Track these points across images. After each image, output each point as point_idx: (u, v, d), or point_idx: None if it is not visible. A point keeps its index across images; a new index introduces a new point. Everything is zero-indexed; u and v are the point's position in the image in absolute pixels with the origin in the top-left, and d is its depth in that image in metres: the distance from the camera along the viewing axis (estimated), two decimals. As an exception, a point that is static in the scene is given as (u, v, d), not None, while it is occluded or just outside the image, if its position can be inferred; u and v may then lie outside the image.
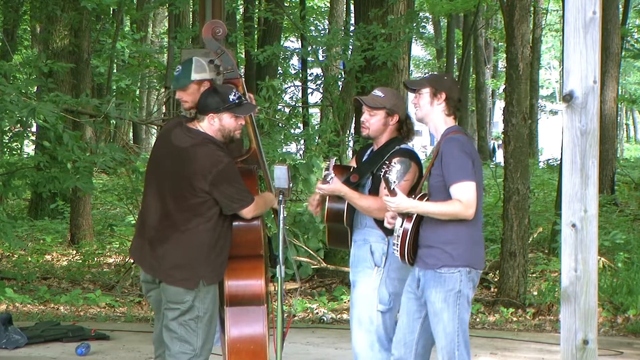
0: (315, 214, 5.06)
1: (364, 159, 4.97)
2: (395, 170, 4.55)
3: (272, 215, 5.29)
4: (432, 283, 4.47)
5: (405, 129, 4.90)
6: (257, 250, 4.85)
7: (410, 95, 4.75)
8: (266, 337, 4.80)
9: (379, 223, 4.78)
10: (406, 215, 4.47)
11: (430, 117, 4.59)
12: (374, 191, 4.78)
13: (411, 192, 4.73)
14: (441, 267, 4.45)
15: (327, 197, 4.85)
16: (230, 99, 4.68)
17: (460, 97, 4.62)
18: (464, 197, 4.36)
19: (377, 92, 4.91)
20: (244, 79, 5.11)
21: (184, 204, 4.62)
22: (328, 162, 4.75)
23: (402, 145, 4.86)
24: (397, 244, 4.50)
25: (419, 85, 4.62)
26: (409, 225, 4.46)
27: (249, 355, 4.77)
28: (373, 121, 4.84)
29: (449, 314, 4.45)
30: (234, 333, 4.77)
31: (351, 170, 4.94)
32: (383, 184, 4.46)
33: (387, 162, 4.64)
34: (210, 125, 4.68)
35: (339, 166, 4.86)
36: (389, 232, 4.76)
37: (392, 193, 4.40)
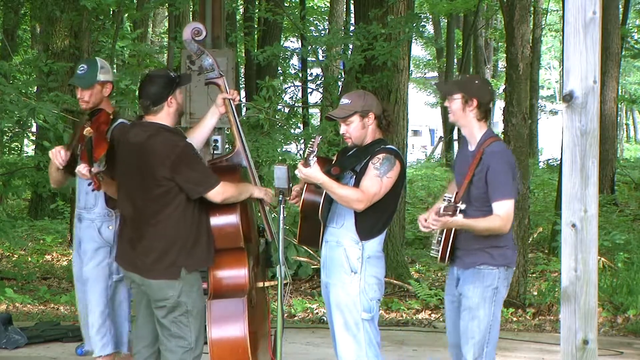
0: (295, 203, 4.98)
1: (346, 155, 4.91)
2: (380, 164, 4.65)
3: (273, 216, 5.28)
4: (470, 279, 4.59)
5: (384, 122, 4.85)
6: (237, 243, 4.84)
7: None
8: (247, 329, 4.76)
9: (358, 224, 4.73)
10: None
11: (463, 123, 4.64)
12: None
13: (394, 192, 4.75)
14: (481, 264, 4.58)
15: (305, 186, 4.76)
16: (173, 76, 4.79)
17: (492, 98, 4.65)
18: (504, 214, 4.47)
19: (344, 100, 4.85)
20: (225, 77, 5.11)
21: (150, 197, 4.65)
22: (313, 140, 4.63)
23: (388, 146, 4.83)
24: (439, 248, 4.60)
25: (449, 92, 4.64)
26: (451, 230, 4.56)
27: (230, 347, 4.75)
28: (352, 129, 4.79)
29: (484, 310, 4.55)
30: (215, 326, 4.77)
31: (333, 162, 4.88)
32: (442, 207, 4.39)
33: (372, 159, 4.68)
34: (169, 108, 4.74)
35: (321, 158, 4.77)
36: (365, 237, 4.75)
37: (453, 214, 4.34)
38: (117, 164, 4.90)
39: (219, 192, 4.67)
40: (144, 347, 4.89)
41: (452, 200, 4.52)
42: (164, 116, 4.73)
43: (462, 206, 4.35)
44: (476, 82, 4.74)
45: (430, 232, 4.76)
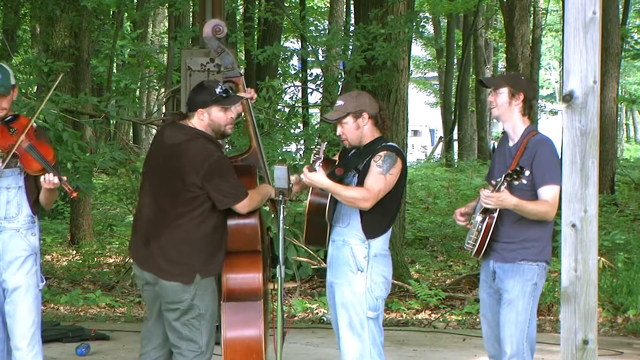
0: (294, 191, 4.98)
1: (348, 155, 4.93)
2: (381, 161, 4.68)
3: (272, 216, 5.29)
4: (510, 273, 4.64)
5: (380, 120, 4.87)
6: (255, 245, 4.85)
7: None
8: (262, 333, 4.77)
9: (364, 223, 4.75)
10: (488, 212, 4.58)
11: (508, 117, 4.72)
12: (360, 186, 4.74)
13: (397, 189, 4.77)
14: (521, 260, 4.62)
15: (311, 188, 4.78)
16: (217, 92, 4.72)
17: (536, 95, 4.73)
18: (552, 199, 4.51)
19: (338, 102, 4.88)
20: (244, 78, 5.11)
21: (176, 200, 4.64)
22: (319, 147, 4.68)
23: (389, 143, 4.86)
24: (477, 239, 4.62)
25: (496, 85, 4.73)
26: (492, 221, 4.59)
27: (245, 350, 4.76)
28: (346, 130, 4.80)
29: (523, 304, 4.61)
30: (230, 328, 4.76)
31: (336, 163, 4.90)
32: (502, 177, 4.46)
33: (373, 157, 4.70)
34: (200, 120, 4.71)
35: (325, 159, 4.78)
36: (370, 235, 4.76)
37: (497, 190, 4.46)
38: (146, 157, 4.92)
39: (246, 205, 4.69)
40: (152, 348, 4.85)
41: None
42: (197, 123, 4.71)
43: (527, 172, 4.39)
44: (522, 77, 4.88)
45: (465, 225, 4.79)
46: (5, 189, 4.83)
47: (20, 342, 4.81)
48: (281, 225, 4.75)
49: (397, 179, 4.75)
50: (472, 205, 4.89)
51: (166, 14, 23.72)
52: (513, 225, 4.62)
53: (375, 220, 4.75)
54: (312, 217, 4.86)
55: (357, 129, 4.80)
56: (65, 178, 4.69)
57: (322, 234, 4.89)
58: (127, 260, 11.20)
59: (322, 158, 4.62)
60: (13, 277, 4.83)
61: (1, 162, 4.77)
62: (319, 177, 4.61)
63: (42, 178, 4.70)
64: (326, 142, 4.74)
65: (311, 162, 4.64)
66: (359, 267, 4.75)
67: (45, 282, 5.00)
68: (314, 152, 4.66)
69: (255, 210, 4.82)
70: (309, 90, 17.57)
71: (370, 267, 4.75)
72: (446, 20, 29.61)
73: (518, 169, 4.43)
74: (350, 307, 4.77)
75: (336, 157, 5.07)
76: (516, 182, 4.44)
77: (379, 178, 4.68)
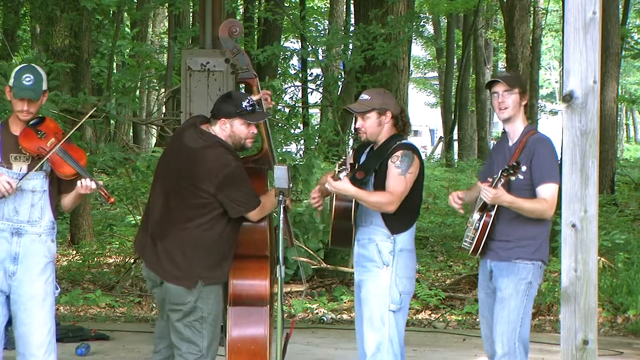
0: (317, 207, 5.01)
1: (363, 156, 4.97)
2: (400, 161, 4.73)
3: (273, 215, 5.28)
4: (505, 272, 4.63)
5: (400, 123, 4.92)
6: (263, 250, 4.85)
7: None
8: (267, 338, 4.78)
9: (386, 220, 4.79)
10: (486, 210, 4.59)
11: (515, 118, 4.78)
12: (379, 187, 4.78)
13: (417, 186, 4.80)
14: (517, 259, 4.61)
15: (334, 194, 4.82)
16: (243, 105, 4.68)
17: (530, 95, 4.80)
18: (550, 197, 4.52)
19: (364, 96, 4.93)
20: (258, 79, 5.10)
21: (186, 203, 4.63)
22: (344, 158, 4.74)
23: (403, 141, 4.89)
24: (474, 237, 4.62)
25: (513, 84, 4.73)
26: (489, 219, 4.59)
27: (249, 355, 4.77)
28: (367, 125, 4.85)
29: (516, 302, 4.59)
30: (235, 333, 4.77)
31: (355, 167, 4.93)
32: (499, 173, 4.48)
33: (391, 157, 4.74)
34: (222, 130, 4.70)
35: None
36: (395, 230, 4.80)
37: (494, 187, 4.48)
38: (161, 155, 4.93)
39: (257, 213, 4.70)
40: (164, 347, 4.86)
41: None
42: (219, 132, 4.70)
43: (524, 167, 4.43)
44: (524, 77, 4.88)
45: (458, 209, 4.81)
46: (31, 191, 4.72)
47: (37, 350, 4.72)
48: (281, 225, 4.76)
49: (416, 177, 4.80)
50: (470, 195, 4.88)
51: (166, 14, 23.73)
52: (509, 223, 4.62)
53: (396, 217, 4.79)
54: (338, 221, 4.90)
55: (378, 126, 4.85)
56: (101, 183, 4.65)
57: (348, 236, 4.92)
58: (127, 260, 11.20)
59: (349, 169, 4.67)
60: (32, 284, 4.72)
61: (27, 165, 4.68)
62: (344, 186, 4.64)
63: (78, 183, 4.63)
64: (350, 152, 4.77)
65: (337, 171, 4.68)
66: (384, 262, 4.80)
67: (59, 289, 4.91)
68: (339, 162, 4.72)
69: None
70: (309, 90, 17.59)
71: (395, 261, 4.79)
72: (446, 20, 29.63)
73: (514, 164, 4.46)
74: (374, 301, 4.79)
75: (351, 159, 5.10)
76: (513, 178, 4.46)
77: (400, 179, 4.73)
